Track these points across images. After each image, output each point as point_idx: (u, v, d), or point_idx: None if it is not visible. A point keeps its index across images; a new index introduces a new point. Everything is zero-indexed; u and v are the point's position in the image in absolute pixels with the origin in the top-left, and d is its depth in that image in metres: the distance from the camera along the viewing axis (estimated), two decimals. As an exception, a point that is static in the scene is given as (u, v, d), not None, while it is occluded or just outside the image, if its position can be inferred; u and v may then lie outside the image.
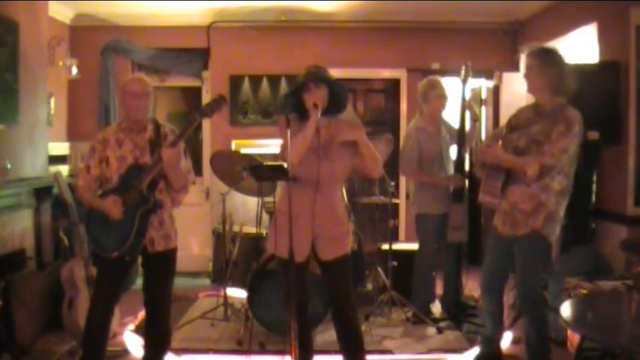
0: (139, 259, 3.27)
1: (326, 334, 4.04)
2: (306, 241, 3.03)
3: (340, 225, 3.12)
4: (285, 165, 2.80)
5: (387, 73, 6.66)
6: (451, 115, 4.80)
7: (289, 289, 2.84)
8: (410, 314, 4.65)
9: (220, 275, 4.74)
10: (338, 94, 3.01)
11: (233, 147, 6.35)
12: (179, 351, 3.95)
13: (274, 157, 5.81)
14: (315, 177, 2.97)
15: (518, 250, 3.40)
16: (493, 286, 3.59)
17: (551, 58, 3.28)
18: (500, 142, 3.41)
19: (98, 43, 6.16)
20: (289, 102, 3.05)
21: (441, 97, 4.58)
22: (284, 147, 2.94)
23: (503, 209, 3.43)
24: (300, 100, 3.00)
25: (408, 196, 5.31)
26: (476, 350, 3.82)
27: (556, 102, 3.28)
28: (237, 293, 4.69)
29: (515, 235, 3.37)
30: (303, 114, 3.01)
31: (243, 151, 5.83)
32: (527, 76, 3.36)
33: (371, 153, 3.00)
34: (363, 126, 3.13)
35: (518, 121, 3.46)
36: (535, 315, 3.42)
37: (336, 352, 3.58)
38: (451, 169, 4.67)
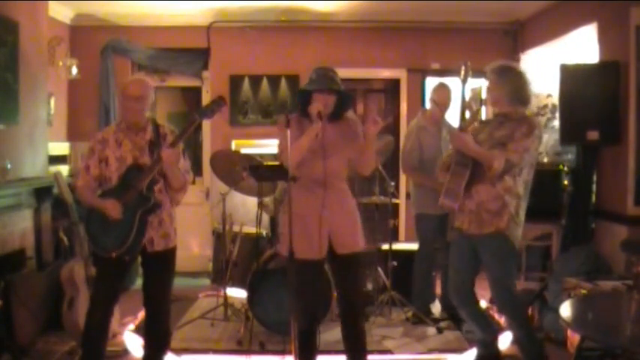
0: (139, 259, 3.26)
1: (326, 334, 4.03)
2: (324, 237, 3.06)
3: (353, 219, 3.19)
4: (285, 165, 2.82)
5: (387, 73, 6.67)
6: (451, 116, 4.80)
7: (292, 287, 2.86)
8: (410, 314, 4.66)
9: (220, 275, 4.74)
10: (345, 102, 3.15)
11: (233, 147, 6.35)
12: (179, 351, 3.95)
13: (274, 157, 5.81)
14: (321, 175, 3.04)
15: (484, 251, 3.44)
16: (463, 289, 3.60)
17: (506, 73, 3.49)
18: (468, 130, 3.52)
19: (98, 43, 6.16)
20: (299, 99, 3.14)
21: (435, 103, 4.63)
22: (282, 147, 3.02)
23: (468, 209, 3.46)
24: (308, 98, 3.06)
25: (408, 195, 5.31)
26: (475, 351, 3.81)
27: (519, 112, 3.46)
28: (237, 293, 4.69)
29: (481, 233, 3.41)
30: (306, 111, 3.05)
31: (243, 151, 5.82)
32: (487, 89, 3.59)
33: (373, 149, 3.14)
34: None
35: (482, 127, 3.60)
36: (515, 315, 3.48)
37: (336, 352, 3.59)
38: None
